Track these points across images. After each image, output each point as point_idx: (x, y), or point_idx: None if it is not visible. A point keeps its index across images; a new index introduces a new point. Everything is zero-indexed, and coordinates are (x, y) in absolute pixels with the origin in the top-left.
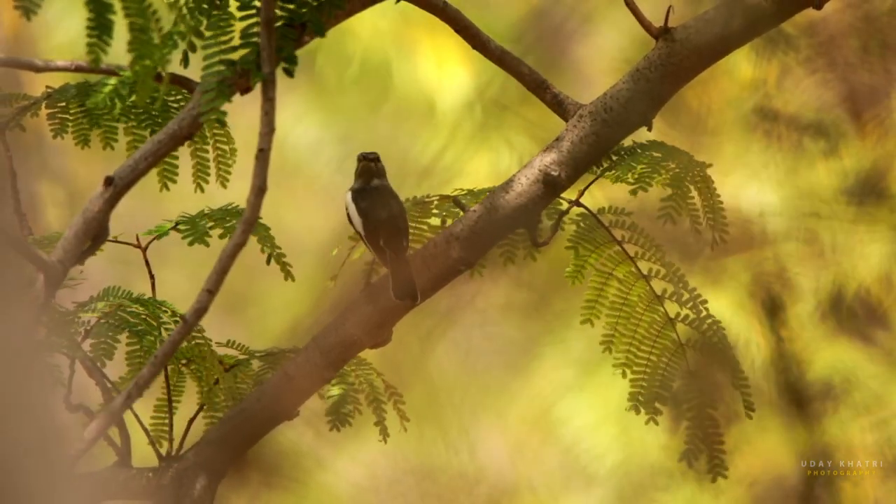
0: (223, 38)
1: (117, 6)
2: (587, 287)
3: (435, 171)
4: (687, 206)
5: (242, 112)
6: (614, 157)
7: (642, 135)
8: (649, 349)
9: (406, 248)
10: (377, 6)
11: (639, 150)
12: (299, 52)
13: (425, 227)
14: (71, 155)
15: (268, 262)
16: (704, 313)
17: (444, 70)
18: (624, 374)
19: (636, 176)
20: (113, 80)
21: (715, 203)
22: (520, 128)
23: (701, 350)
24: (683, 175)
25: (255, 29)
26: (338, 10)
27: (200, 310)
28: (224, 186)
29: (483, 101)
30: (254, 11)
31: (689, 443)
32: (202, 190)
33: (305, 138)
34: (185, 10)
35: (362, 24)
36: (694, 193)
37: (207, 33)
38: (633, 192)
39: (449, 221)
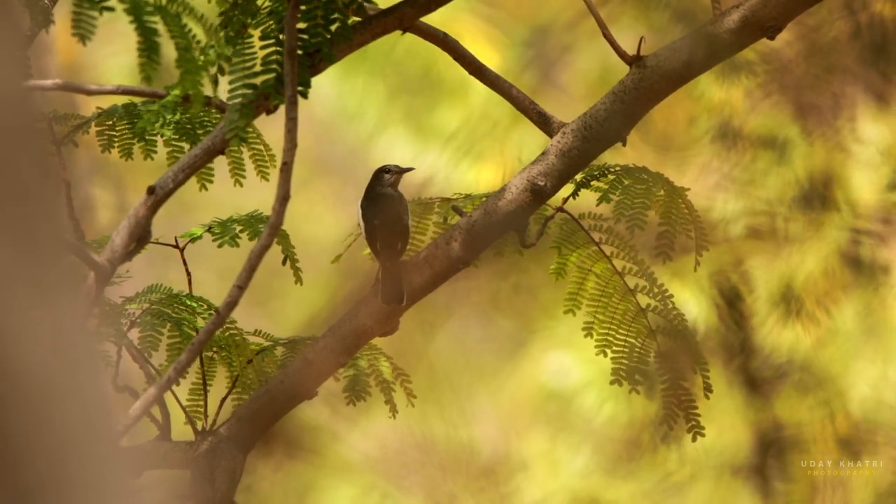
0: (247, 65)
1: (162, 30)
2: (569, 282)
3: (451, 145)
4: (680, 226)
5: (266, 130)
6: (610, 176)
7: (618, 149)
8: (626, 332)
9: (401, 251)
10: None
11: (627, 179)
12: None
13: (429, 223)
14: (119, 164)
15: (283, 262)
16: (671, 305)
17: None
18: (605, 354)
19: (631, 211)
20: (154, 106)
21: (698, 225)
22: (528, 125)
23: (668, 336)
24: (672, 207)
25: (276, 57)
26: (348, 42)
27: (232, 303)
28: (266, 179)
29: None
30: (273, 41)
31: (667, 409)
32: (241, 185)
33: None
34: (215, 40)
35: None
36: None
37: (235, 59)
38: (630, 231)
39: (449, 218)
